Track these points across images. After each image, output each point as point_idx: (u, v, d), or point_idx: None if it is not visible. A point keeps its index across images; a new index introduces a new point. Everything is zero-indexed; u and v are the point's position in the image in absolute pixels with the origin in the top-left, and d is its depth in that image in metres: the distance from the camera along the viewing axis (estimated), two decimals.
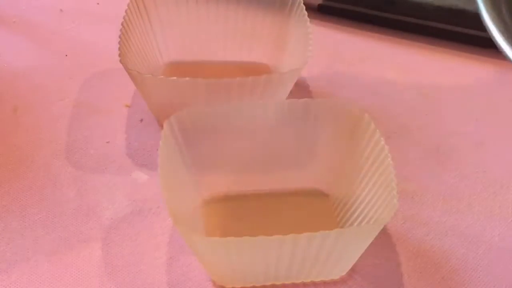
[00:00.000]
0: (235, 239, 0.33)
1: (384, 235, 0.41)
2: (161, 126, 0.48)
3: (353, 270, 0.39)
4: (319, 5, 0.58)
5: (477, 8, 0.34)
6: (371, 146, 0.39)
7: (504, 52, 0.33)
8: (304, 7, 0.48)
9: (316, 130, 0.41)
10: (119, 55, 0.44)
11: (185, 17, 0.51)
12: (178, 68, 0.52)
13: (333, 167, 0.41)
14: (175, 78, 0.43)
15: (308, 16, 0.48)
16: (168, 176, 0.36)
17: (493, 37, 0.34)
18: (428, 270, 0.39)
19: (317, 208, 0.42)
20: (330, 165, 0.41)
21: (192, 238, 0.34)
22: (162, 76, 0.48)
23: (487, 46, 0.53)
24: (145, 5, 0.49)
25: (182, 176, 0.40)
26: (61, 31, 0.56)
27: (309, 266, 0.37)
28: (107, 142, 0.46)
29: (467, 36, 0.55)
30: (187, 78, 0.43)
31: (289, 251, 0.34)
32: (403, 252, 0.40)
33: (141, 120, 0.48)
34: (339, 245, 0.35)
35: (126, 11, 0.47)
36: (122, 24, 0.46)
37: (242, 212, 0.42)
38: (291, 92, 0.46)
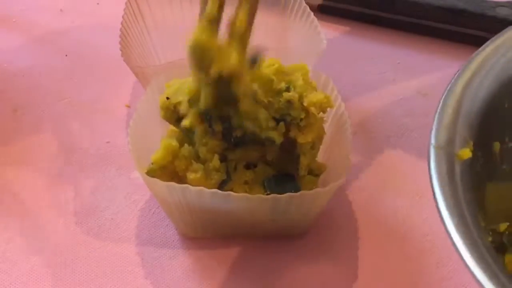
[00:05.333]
0: (189, 187, 0.35)
1: (385, 234, 0.41)
2: None
3: None
4: (319, 5, 0.58)
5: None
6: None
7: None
8: (306, 5, 0.48)
9: None
10: (122, 55, 0.44)
11: (180, 18, 0.51)
12: None
13: None
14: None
15: None
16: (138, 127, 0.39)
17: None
18: (428, 270, 0.39)
19: None
20: None
21: (151, 182, 0.36)
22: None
23: None
24: (139, 7, 0.49)
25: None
26: (61, 31, 0.56)
27: (269, 225, 0.39)
28: (107, 142, 0.46)
29: (467, 36, 0.55)
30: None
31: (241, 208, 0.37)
32: (404, 251, 0.40)
33: None
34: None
35: (123, 16, 0.47)
36: (121, 24, 0.47)
37: None
38: None
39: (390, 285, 0.39)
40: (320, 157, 0.41)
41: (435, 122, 0.33)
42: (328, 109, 0.39)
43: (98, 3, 0.60)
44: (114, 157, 0.45)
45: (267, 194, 0.37)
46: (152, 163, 0.38)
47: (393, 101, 0.50)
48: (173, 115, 0.39)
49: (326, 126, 0.40)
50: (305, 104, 0.37)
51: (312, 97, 0.37)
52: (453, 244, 0.28)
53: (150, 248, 0.40)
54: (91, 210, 0.42)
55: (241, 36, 0.36)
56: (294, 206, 0.37)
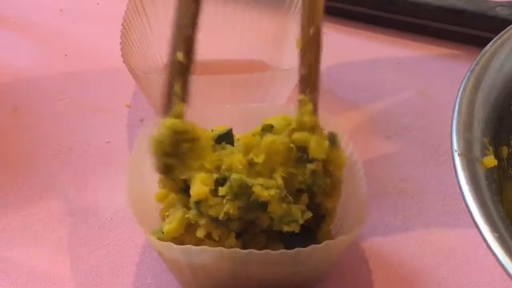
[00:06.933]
0: (207, 249, 0.33)
1: (384, 234, 0.41)
2: None
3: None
4: None
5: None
6: None
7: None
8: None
9: None
10: (122, 56, 0.44)
11: None
12: None
13: None
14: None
15: None
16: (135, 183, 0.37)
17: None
18: (428, 270, 0.39)
19: None
20: None
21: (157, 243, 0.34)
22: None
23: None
24: (143, 4, 0.49)
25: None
26: (61, 31, 0.56)
27: (289, 278, 0.37)
28: (107, 142, 0.46)
29: (467, 36, 0.55)
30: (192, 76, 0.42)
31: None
32: (404, 251, 0.40)
33: (141, 120, 0.48)
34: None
35: (125, 11, 0.47)
36: (122, 25, 0.46)
37: None
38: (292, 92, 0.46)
39: (389, 285, 0.38)
40: None
41: (453, 129, 0.32)
42: None
43: (98, 3, 0.60)
44: (114, 157, 0.45)
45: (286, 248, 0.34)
46: (163, 233, 0.35)
47: (393, 101, 0.50)
48: (176, 188, 0.36)
49: None
50: (330, 169, 0.35)
51: (337, 159, 0.35)
52: (500, 263, 0.27)
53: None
54: (91, 210, 0.42)
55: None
56: (318, 255, 0.35)
